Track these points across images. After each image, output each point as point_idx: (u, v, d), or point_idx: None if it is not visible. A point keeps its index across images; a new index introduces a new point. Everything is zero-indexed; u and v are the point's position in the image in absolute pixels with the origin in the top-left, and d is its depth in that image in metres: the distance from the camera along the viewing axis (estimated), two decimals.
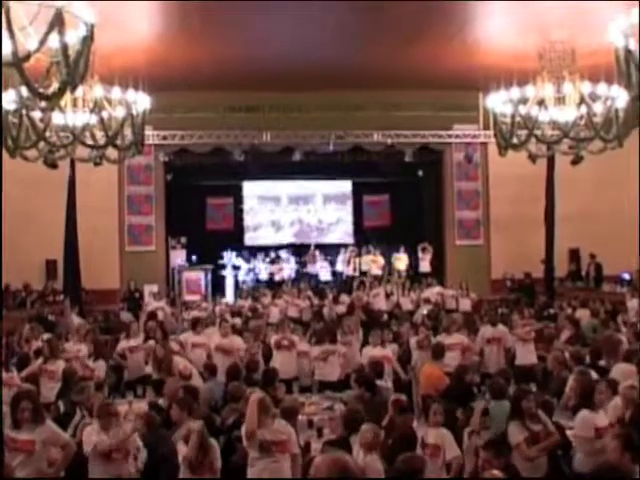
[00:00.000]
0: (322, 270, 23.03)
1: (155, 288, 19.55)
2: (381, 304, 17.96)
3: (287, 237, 25.18)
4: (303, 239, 24.90)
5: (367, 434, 6.37)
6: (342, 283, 22.37)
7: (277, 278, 22.56)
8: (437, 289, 19.30)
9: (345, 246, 23.98)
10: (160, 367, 10.42)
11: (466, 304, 18.42)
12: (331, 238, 25.21)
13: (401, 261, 22.72)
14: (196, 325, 12.43)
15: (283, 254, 23.53)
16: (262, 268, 23.00)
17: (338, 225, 25.42)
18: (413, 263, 22.79)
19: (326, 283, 22.17)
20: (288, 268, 23.02)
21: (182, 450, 6.61)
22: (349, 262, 22.83)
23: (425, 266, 22.44)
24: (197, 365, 10.71)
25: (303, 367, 11.62)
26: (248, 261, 23.57)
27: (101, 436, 6.67)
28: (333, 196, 25.34)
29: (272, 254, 23.57)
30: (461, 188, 22.13)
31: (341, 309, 16.91)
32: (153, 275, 20.64)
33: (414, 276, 21.90)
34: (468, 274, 20.20)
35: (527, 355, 11.65)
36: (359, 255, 23.06)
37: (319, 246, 23.99)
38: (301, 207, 25.24)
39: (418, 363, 11.10)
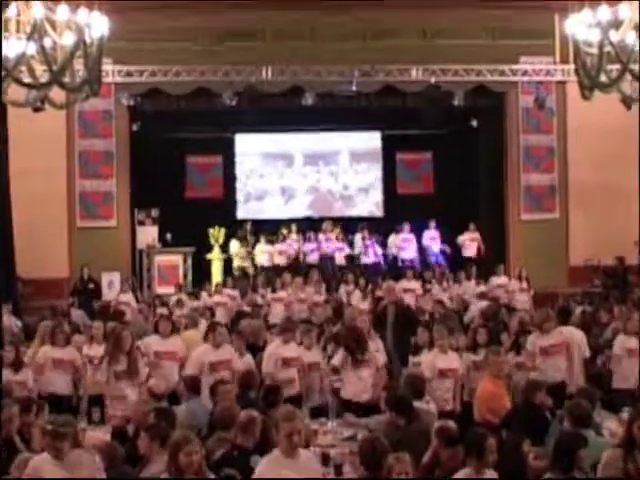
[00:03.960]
0: (340, 253, 22.88)
1: (116, 277, 19.57)
2: (420, 301, 17.96)
3: (300, 209, 25.40)
4: (322, 212, 25.03)
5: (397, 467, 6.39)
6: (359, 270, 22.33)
7: (279, 262, 22.41)
8: (500, 280, 19.35)
9: (371, 220, 24.07)
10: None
11: (523, 300, 18.56)
12: (360, 210, 25.45)
13: (436, 242, 22.70)
14: (167, 327, 12.34)
15: (292, 231, 23.34)
16: (260, 250, 22.88)
17: (369, 193, 25.59)
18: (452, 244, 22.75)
19: (340, 270, 22.05)
20: (296, 249, 22.85)
21: None
22: (365, 247, 22.66)
23: (472, 249, 22.36)
24: (168, 381, 10.79)
25: (314, 383, 11.63)
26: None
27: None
28: (363, 154, 25.49)
29: (282, 231, 23.37)
30: (530, 143, 22.06)
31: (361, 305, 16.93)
32: (114, 259, 20.73)
33: (454, 263, 21.95)
34: (538, 259, 20.19)
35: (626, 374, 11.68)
36: (383, 234, 22.94)
37: (339, 221, 24.01)
38: (321, 168, 25.51)
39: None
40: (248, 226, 23.20)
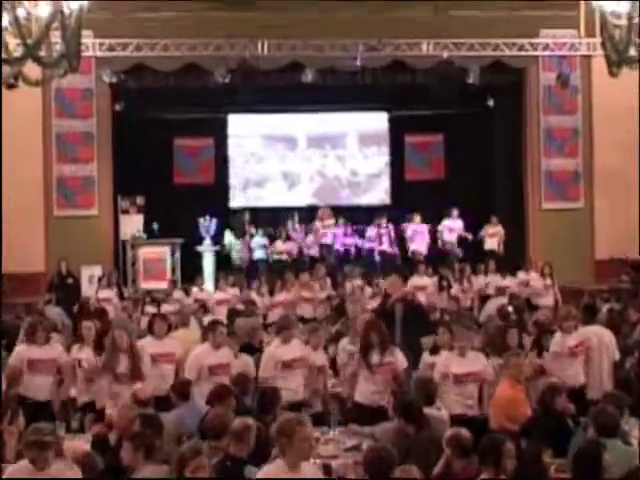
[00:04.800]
0: (349, 247, 22.89)
1: (98, 271, 19.60)
2: (431, 298, 17.96)
3: (304, 197, 25.51)
4: (328, 200, 25.08)
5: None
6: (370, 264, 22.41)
7: (277, 257, 22.44)
8: (527, 276, 19.36)
9: (380, 209, 24.04)
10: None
11: (548, 295, 18.60)
12: (370, 198, 25.64)
13: (455, 233, 22.69)
14: (163, 327, 12.28)
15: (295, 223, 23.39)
16: (257, 244, 22.89)
17: (380, 179, 25.69)
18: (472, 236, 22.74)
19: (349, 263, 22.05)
20: (296, 243, 22.91)
21: None
22: (379, 237, 22.66)
23: (493, 242, 22.34)
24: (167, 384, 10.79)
25: (319, 387, 11.68)
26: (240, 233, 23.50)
27: None
28: (372, 136, 25.59)
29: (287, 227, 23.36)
30: (551, 125, 22.09)
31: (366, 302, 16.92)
32: (95, 252, 20.77)
33: (475, 256, 21.85)
34: (560, 253, 20.19)
35: None
36: (394, 222, 22.94)
37: (344, 210, 24.01)
38: (327, 152, 25.62)
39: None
40: (246, 215, 23.21)
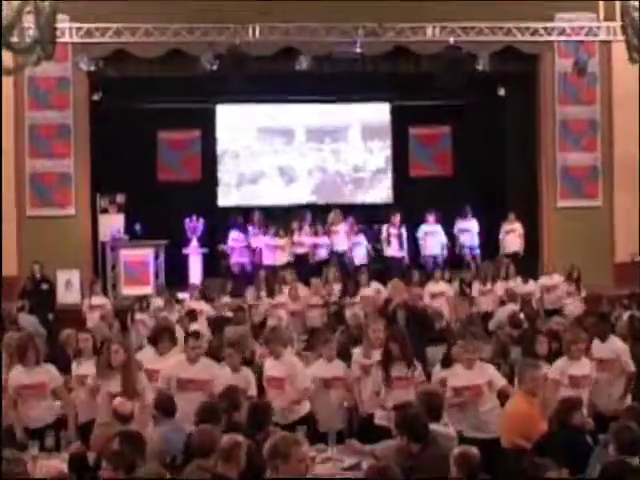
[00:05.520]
0: (356, 247, 22.74)
1: (75, 275, 19.64)
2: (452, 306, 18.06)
3: (302, 194, 25.57)
4: (329, 198, 25.15)
5: None
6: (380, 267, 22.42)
7: (270, 262, 22.34)
8: (550, 280, 19.50)
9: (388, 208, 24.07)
10: None
11: (573, 305, 18.50)
12: (374, 197, 25.72)
13: (470, 234, 22.69)
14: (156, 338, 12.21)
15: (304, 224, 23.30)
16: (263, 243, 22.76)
17: (384, 175, 25.80)
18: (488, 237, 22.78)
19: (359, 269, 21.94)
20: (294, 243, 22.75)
21: None
22: (388, 238, 22.62)
23: (514, 243, 22.33)
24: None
25: (333, 402, 11.75)
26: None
27: None
28: (376, 128, 25.65)
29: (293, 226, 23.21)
30: (567, 116, 22.07)
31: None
32: (71, 255, 20.73)
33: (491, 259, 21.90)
34: (577, 255, 20.19)
35: None
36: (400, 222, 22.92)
37: (348, 208, 24.03)
38: (327, 146, 25.67)
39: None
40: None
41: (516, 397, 10.35)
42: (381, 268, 22.25)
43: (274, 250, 22.22)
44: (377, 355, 11.70)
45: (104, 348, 11.04)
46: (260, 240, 22.44)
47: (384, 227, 22.73)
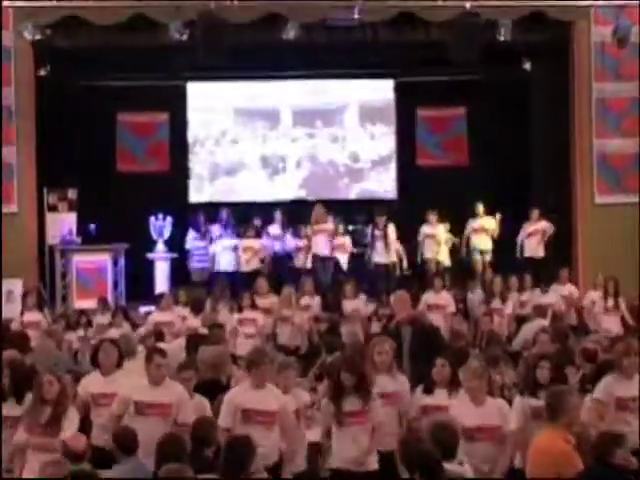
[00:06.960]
0: (339, 252, 22.78)
1: (18, 285, 19.74)
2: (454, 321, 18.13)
3: (289, 189, 25.82)
4: (321, 192, 25.28)
5: None
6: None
7: (247, 268, 22.32)
8: (568, 288, 19.63)
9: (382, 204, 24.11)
10: None
11: (612, 321, 18.61)
12: (373, 191, 26.04)
13: (486, 235, 22.61)
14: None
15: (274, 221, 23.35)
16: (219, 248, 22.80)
17: (387, 166, 26.04)
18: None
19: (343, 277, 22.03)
20: (272, 247, 22.87)
21: None
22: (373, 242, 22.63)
23: (536, 247, 22.25)
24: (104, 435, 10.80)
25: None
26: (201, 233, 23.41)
27: None
28: (377, 110, 25.90)
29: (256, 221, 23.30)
30: (606, 94, 22.09)
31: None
32: (14, 261, 20.50)
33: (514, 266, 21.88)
34: (617, 259, 20.33)
35: None
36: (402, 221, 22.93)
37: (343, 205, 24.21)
38: (319, 131, 25.89)
39: None
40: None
41: (547, 431, 10.23)
42: (368, 277, 22.38)
43: (242, 254, 22.27)
44: (381, 382, 11.71)
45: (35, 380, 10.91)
46: (224, 242, 22.55)
47: (368, 229, 22.85)
